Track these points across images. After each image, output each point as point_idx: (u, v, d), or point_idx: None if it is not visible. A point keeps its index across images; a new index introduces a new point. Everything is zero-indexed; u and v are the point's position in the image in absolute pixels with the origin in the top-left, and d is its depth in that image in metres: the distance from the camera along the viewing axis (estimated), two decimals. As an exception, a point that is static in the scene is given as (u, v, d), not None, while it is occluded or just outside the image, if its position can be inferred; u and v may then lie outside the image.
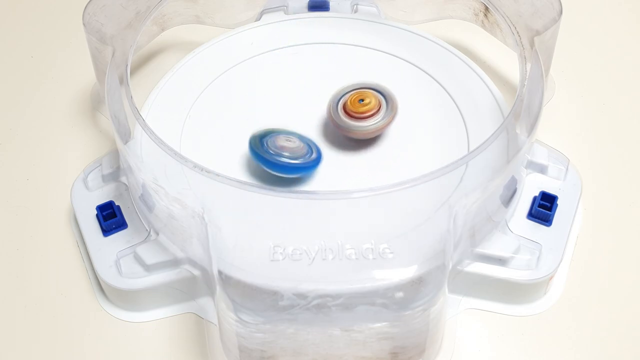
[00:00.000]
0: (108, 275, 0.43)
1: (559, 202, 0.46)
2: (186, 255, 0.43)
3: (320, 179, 0.45)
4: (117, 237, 0.45)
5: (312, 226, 0.41)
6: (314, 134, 0.48)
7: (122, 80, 0.45)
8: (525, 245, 0.44)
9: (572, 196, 0.46)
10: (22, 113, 0.55)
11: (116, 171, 0.47)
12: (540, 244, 0.44)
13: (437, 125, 0.48)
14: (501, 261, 0.43)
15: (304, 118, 0.48)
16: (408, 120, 0.48)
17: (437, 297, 0.39)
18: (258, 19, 0.55)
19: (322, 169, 0.45)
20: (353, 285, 0.39)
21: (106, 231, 0.45)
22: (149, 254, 0.43)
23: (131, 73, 0.46)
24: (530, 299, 0.44)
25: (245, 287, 0.39)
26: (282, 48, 0.53)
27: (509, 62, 0.55)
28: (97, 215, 0.45)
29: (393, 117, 0.46)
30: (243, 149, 0.47)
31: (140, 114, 0.44)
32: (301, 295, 0.38)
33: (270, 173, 0.45)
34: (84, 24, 0.48)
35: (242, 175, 0.46)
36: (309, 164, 0.45)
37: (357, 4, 0.55)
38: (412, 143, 0.47)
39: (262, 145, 0.44)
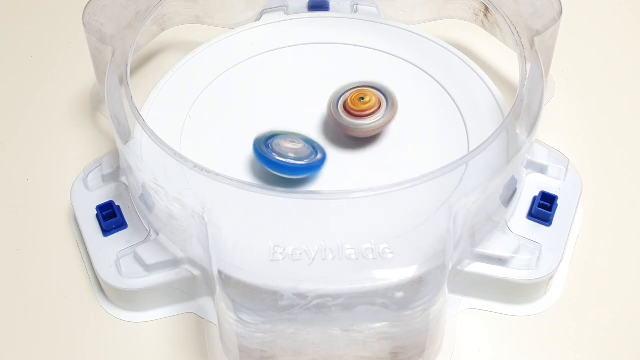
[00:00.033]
0: (108, 275, 0.43)
1: (559, 202, 0.46)
2: (186, 255, 0.43)
3: (320, 178, 0.45)
4: (117, 237, 0.45)
5: (312, 226, 0.41)
6: (315, 133, 0.48)
7: (122, 80, 0.45)
8: (525, 245, 0.44)
9: (572, 196, 0.46)
10: (22, 113, 0.55)
11: (116, 171, 0.47)
12: (540, 244, 0.44)
13: (437, 125, 0.48)
14: (501, 261, 0.43)
15: (304, 118, 0.48)
16: (408, 120, 0.48)
17: (437, 297, 0.39)
18: (258, 19, 0.55)
19: (323, 168, 0.45)
20: (353, 285, 0.39)
21: (106, 231, 0.45)
22: (149, 254, 0.43)
23: (131, 73, 0.46)
24: (530, 299, 0.44)
25: (245, 287, 0.39)
26: (282, 48, 0.53)
27: (509, 62, 0.55)
28: (97, 215, 0.45)
29: (393, 115, 0.47)
30: (243, 148, 0.47)
31: (140, 114, 0.44)
32: (301, 295, 0.38)
33: (269, 173, 0.45)
34: (84, 24, 0.48)
35: (243, 175, 0.46)
36: (315, 165, 0.45)
37: (357, 4, 0.55)
38: (412, 143, 0.47)
39: (267, 147, 0.44)
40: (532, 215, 0.45)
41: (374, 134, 0.47)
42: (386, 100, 0.47)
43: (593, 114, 0.54)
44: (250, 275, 0.39)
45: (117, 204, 0.46)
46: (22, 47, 0.59)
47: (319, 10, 0.56)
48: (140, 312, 0.44)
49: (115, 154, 0.48)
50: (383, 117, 0.46)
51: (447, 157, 0.44)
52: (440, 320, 0.41)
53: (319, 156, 0.45)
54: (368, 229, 0.41)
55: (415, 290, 0.39)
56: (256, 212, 0.41)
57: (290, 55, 0.53)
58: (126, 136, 0.45)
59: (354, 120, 0.46)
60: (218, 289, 0.39)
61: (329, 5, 0.56)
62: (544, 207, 0.45)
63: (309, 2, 0.56)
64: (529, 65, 0.46)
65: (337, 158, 0.47)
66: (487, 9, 0.52)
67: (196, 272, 0.43)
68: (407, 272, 0.39)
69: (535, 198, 0.46)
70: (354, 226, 0.41)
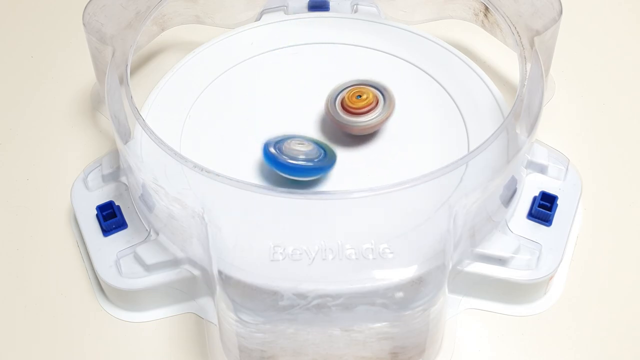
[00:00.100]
0: (108, 275, 0.43)
1: (559, 202, 0.46)
2: (186, 255, 0.43)
3: (322, 177, 0.45)
4: (117, 237, 0.45)
5: (312, 226, 0.41)
6: (315, 134, 0.48)
7: (122, 80, 0.45)
8: (525, 245, 0.44)
9: (572, 196, 0.46)
10: (22, 113, 0.55)
11: (116, 171, 0.47)
12: (540, 244, 0.44)
13: (437, 125, 0.48)
14: (501, 261, 0.43)
15: (304, 118, 0.48)
16: (408, 120, 0.48)
17: (437, 297, 0.39)
18: (258, 19, 0.55)
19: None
20: (353, 285, 0.39)
21: (106, 231, 0.45)
22: (149, 254, 0.43)
23: (131, 73, 0.46)
24: (530, 299, 0.44)
25: (245, 287, 0.39)
26: (282, 48, 0.53)
27: (509, 62, 0.55)
28: (97, 215, 0.45)
29: (391, 113, 0.47)
30: (243, 148, 0.47)
31: (140, 114, 0.44)
32: (301, 295, 0.38)
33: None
34: (84, 24, 0.48)
35: (243, 175, 0.46)
36: (326, 165, 0.45)
37: (357, 4, 0.55)
38: (412, 143, 0.47)
39: (277, 150, 0.44)
40: (532, 215, 0.45)
41: (371, 131, 0.47)
42: (383, 97, 0.47)
43: (593, 114, 0.54)
44: (250, 275, 0.39)
45: (117, 204, 0.46)
46: (22, 47, 0.59)
47: (319, 10, 0.56)
48: (140, 312, 0.44)
49: (115, 154, 0.48)
50: (380, 114, 0.46)
51: (447, 157, 0.44)
52: (440, 320, 0.41)
53: (329, 157, 0.45)
54: (368, 229, 0.41)
55: (415, 290, 0.39)
56: (256, 212, 0.41)
57: (290, 55, 0.53)
58: (126, 136, 0.45)
59: (352, 118, 0.46)
60: (218, 289, 0.39)
61: (329, 5, 0.56)
62: (544, 207, 0.45)
63: (309, 2, 0.56)
64: (529, 65, 0.46)
65: (338, 158, 0.46)
66: (487, 9, 0.52)
67: (196, 272, 0.43)
68: (407, 272, 0.39)
69: (535, 198, 0.46)
70: (354, 226, 0.41)
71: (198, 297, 0.44)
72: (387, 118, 0.46)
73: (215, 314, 0.41)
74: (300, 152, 0.44)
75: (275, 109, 0.49)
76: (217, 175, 0.39)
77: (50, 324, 0.44)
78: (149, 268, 0.43)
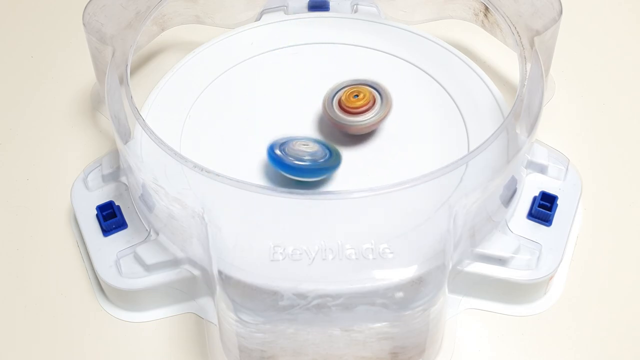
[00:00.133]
0: (108, 275, 0.43)
1: (559, 202, 0.46)
2: (186, 255, 0.43)
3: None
4: (117, 237, 0.45)
5: (312, 226, 0.41)
6: (315, 133, 0.48)
7: (122, 80, 0.45)
8: (525, 245, 0.43)
9: (572, 196, 0.46)
10: (22, 113, 0.55)
11: (116, 171, 0.47)
12: (540, 244, 0.44)
13: (437, 125, 0.48)
14: (501, 261, 0.43)
15: (304, 118, 0.48)
16: (408, 120, 0.48)
17: (437, 297, 0.39)
18: (258, 19, 0.55)
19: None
20: (353, 285, 0.39)
21: (106, 231, 0.45)
22: (149, 254, 0.43)
23: (131, 73, 0.46)
24: (530, 299, 0.44)
25: (245, 287, 0.39)
26: (282, 48, 0.53)
27: (509, 62, 0.55)
28: (97, 215, 0.45)
29: (388, 112, 0.47)
30: (243, 148, 0.47)
31: (140, 114, 0.44)
32: (301, 295, 0.38)
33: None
34: (84, 24, 0.48)
35: (243, 175, 0.46)
36: (332, 165, 0.45)
37: (357, 4, 0.55)
38: (412, 143, 0.47)
39: (282, 152, 0.44)
40: (532, 215, 0.45)
41: (368, 130, 0.47)
42: (380, 97, 0.47)
43: (593, 114, 0.54)
44: (250, 275, 0.39)
45: (117, 204, 0.46)
46: (22, 47, 0.59)
47: (319, 10, 0.56)
48: (140, 312, 0.44)
49: (115, 154, 0.48)
50: (377, 113, 0.46)
51: (447, 157, 0.44)
52: (440, 320, 0.41)
53: (335, 157, 0.45)
54: (368, 229, 0.41)
55: (415, 290, 0.39)
56: (256, 212, 0.41)
57: (290, 55, 0.53)
58: (126, 136, 0.45)
59: (349, 117, 0.46)
60: (218, 289, 0.39)
61: (329, 5, 0.56)
62: (544, 207, 0.45)
63: (309, 2, 0.56)
64: (529, 65, 0.46)
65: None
66: (487, 9, 0.52)
67: (196, 272, 0.43)
68: (407, 272, 0.39)
69: (535, 198, 0.46)
70: (354, 226, 0.41)
71: (198, 297, 0.44)
72: (384, 117, 0.47)
73: (215, 314, 0.41)
74: (306, 153, 0.44)
75: (275, 109, 0.49)
76: (217, 175, 0.39)
77: (50, 324, 0.44)
78: (149, 268, 0.43)
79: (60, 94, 0.55)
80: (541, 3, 0.48)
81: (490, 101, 0.49)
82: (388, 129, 0.48)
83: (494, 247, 0.43)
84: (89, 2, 0.48)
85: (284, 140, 0.45)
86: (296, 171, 0.44)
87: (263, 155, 0.46)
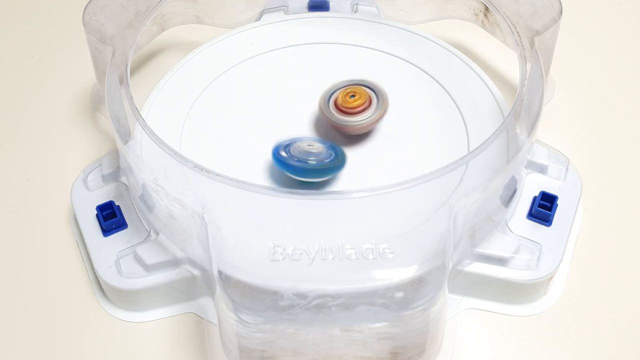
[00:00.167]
0: (108, 275, 0.43)
1: (559, 202, 0.46)
2: (186, 255, 0.43)
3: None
4: (117, 237, 0.45)
5: (312, 226, 0.41)
6: (316, 133, 0.48)
7: (122, 80, 0.45)
8: (525, 245, 0.43)
9: (572, 196, 0.46)
10: (22, 113, 0.55)
11: (116, 171, 0.47)
12: (540, 244, 0.44)
13: (437, 125, 0.48)
14: (501, 261, 0.43)
15: (304, 118, 0.48)
16: (408, 120, 0.48)
17: (437, 297, 0.39)
18: (258, 19, 0.55)
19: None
20: (353, 285, 0.39)
21: (106, 231, 0.45)
22: (149, 254, 0.43)
23: (131, 73, 0.46)
24: (530, 299, 0.44)
25: (245, 287, 0.39)
26: (282, 48, 0.53)
27: (509, 62, 0.55)
28: (97, 215, 0.45)
29: (384, 112, 0.47)
30: (243, 148, 0.47)
31: (140, 114, 0.44)
32: (301, 295, 0.38)
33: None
34: (84, 24, 0.48)
35: (243, 175, 0.46)
36: (338, 164, 0.45)
37: (357, 4, 0.55)
38: (412, 143, 0.47)
39: (287, 153, 0.44)
40: (532, 215, 0.45)
41: (364, 131, 0.47)
42: (377, 97, 0.47)
43: (593, 114, 0.54)
44: (250, 275, 0.39)
45: (117, 204, 0.46)
46: (22, 47, 0.59)
47: (319, 10, 0.56)
48: (140, 312, 0.44)
49: (115, 154, 0.48)
50: (373, 114, 0.46)
51: (447, 157, 0.44)
52: (440, 320, 0.41)
53: (340, 156, 0.45)
54: (368, 229, 0.41)
55: (415, 290, 0.39)
56: (256, 212, 0.41)
57: (290, 55, 0.53)
58: (126, 136, 0.45)
59: (345, 118, 0.46)
60: (218, 289, 0.39)
61: (329, 5, 0.56)
62: (544, 207, 0.45)
63: (309, 2, 0.56)
64: (529, 65, 0.46)
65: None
66: (487, 9, 0.52)
67: (196, 272, 0.43)
68: (407, 272, 0.39)
69: (535, 198, 0.46)
70: (354, 226, 0.41)
71: (198, 297, 0.44)
72: (380, 118, 0.47)
73: (215, 314, 0.41)
74: (311, 154, 0.44)
75: (276, 109, 0.49)
76: (217, 175, 0.39)
77: (50, 324, 0.44)
78: (149, 268, 0.43)
79: (60, 94, 0.55)
80: (541, 3, 0.48)
81: (490, 101, 0.49)
82: (388, 129, 0.48)
83: (494, 247, 0.43)
84: (89, 2, 0.48)
85: (288, 142, 0.45)
86: (302, 172, 0.44)
87: (263, 155, 0.46)
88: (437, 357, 0.42)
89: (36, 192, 0.50)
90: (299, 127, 0.48)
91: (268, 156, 0.46)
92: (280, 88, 0.51)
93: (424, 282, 0.39)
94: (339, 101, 0.46)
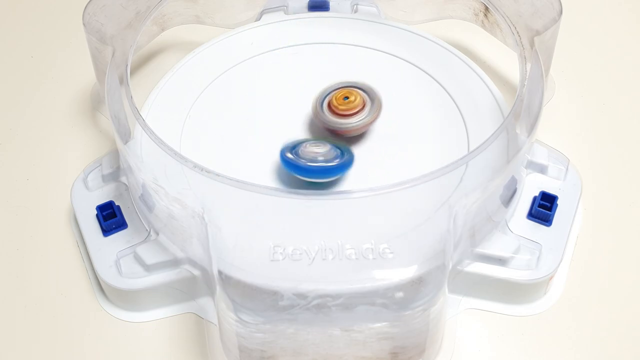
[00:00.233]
0: (108, 275, 0.43)
1: (559, 202, 0.46)
2: (186, 255, 0.43)
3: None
4: (117, 237, 0.45)
5: (312, 226, 0.41)
6: (316, 133, 0.48)
7: (122, 80, 0.45)
8: (525, 245, 0.43)
9: (572, 196, 0.46)
10: (22, 113, 0.55)
11: (116, 171, 0.47)
12: (540, 244, 0.44)
13: (437, 125, 0.48)
14: (501, 261, 0.43)
15: (304, 118, 0.48)
16: (408, 120, 0.48)
17: (437, 297, 0.39)
18: (258, 19, 0.55)
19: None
20: (353, 285, 0.39)
21: (106, 231, 0.45)
22: (149, 254, 0.43)
23: (131, 73, 0.46)
24: (530, 299, 0.44)
25: (245, 287, 0.39)
26: (282, 48, 0.53)
27: (509, 62, 0.55)
28: (97, 215, 0.45)
29: (377, 115, 0.47)
30: (243, 148, 0.47)
31: (140, 114, 0.44)
32: (301, 295, 0.38)
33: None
34: (84, 24, 0.48)
35: (243, 175, 0.46)
36: (345, 163, 0.45)
37: (357, 4, 0.55)
38: (412, 143, 0.47)
39: (294, 155, 0.44)
40: (532, 215, 0.45)
41: (359, 132, 0.47)
42: (370, 99, 0.47)
43: (593, 114, 0.54)
44: (250, 275, 0.39)
45: (117, 204, 0.46)
46: (22, 47, 0.59)
47: (319, 10, 0.56)
48: (140, 312, 0.44)
49: (115, 154, 0.48)
50: (367, 116, 0.46)
51: (447, 157, 0.44)
52: (440, 320, 0.41)
53: (347, 155, 0.45)
54: (368, 229, 0.41)
55: (415, 290, 0.39)
56: (256, 212, 0.41)
57: (290, 55, 0.53)
58: (126, 136, 0.45)
59: (339, 120, 0.46)
60: (218, 289, 0.39)
61: (329, 5, 0.56)
62: (544, 207, 0.45)
63: (309, 2, 0.56)
64: (529, 65, 0.46)
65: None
66: (487, 9, 0.52)
67: (196, 272, 0.43)
68: (407, 272, 0.39)
69: (535, 198, 0.46)
70: (354, 226, 0.41)
71: (198, 297, 0.44)
72: (374, 120, 0.47)
73: (215, 314, 0.41)
74: (319, 154, 0.44)
75: (276, 109, 0.49)
76: (217, 175, 0.39)
77: (50, 324, 0.44)
78: (149, 268, 0.43)
79: (60, 94, 0.55)
80: (541, 3, 0.48)
81: (490, 101, 0.49)
82: (388, 129, 0.48)
83: (494, 247, 0.43)
84: (89, 2, 0.48)
85: (295, 143, 0.45)
86: (310, 173, 0.44)
87: (264, 154, 0.46)
88: (437, 357, 0.42)
89: (36, 192, 0.50)
90: (299, 127, 0.48)
91: (268, 156, 0.46)
92: (280, 88, 0.51)
93: (424, 282, 0.39)
94: (333, 103, 0.46)
